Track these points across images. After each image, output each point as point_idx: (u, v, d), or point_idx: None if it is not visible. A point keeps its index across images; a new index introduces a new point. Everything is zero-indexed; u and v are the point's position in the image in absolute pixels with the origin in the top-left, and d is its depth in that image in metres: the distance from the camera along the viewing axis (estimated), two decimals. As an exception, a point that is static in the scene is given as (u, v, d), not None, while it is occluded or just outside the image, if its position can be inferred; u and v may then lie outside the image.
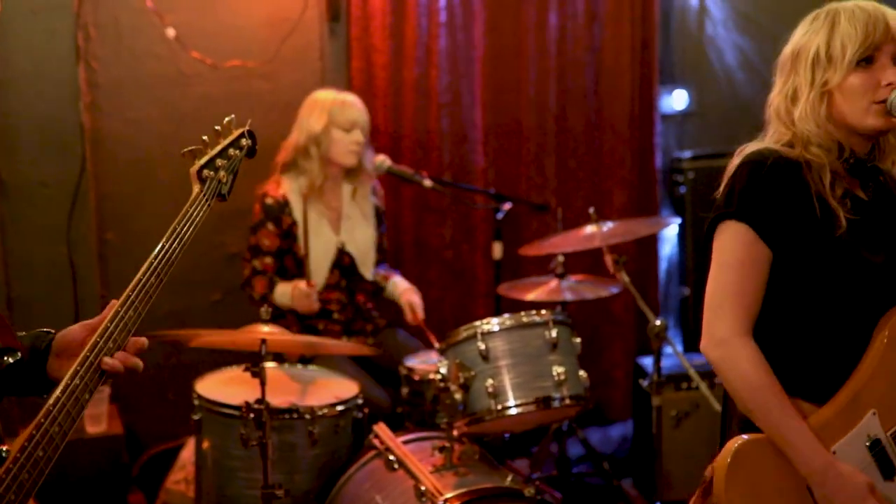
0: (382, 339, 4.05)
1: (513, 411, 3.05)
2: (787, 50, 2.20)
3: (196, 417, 3.35)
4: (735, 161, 2.19)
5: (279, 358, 3.78)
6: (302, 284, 3.81)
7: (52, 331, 1.98)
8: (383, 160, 4.12)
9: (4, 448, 1.72)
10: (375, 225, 4.13)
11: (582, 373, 3.17)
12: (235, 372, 3.47)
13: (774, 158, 2.12)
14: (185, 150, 2.12)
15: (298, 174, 3.97)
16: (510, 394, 3.05)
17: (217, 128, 2.18)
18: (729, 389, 2.17)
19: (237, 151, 2.18)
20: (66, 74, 4.16)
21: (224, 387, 3.40)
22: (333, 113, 3.93)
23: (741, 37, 5.14)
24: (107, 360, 1.81)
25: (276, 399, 3.23)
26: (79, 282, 4.20)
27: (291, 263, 3.96)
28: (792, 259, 2.13)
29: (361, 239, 4.07)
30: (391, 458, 3.12)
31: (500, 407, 3.04)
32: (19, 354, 1.80)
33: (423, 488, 2.90)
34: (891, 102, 2.08)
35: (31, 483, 1.66)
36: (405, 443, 3.22)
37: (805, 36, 2.16)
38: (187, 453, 4.07)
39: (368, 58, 4.57)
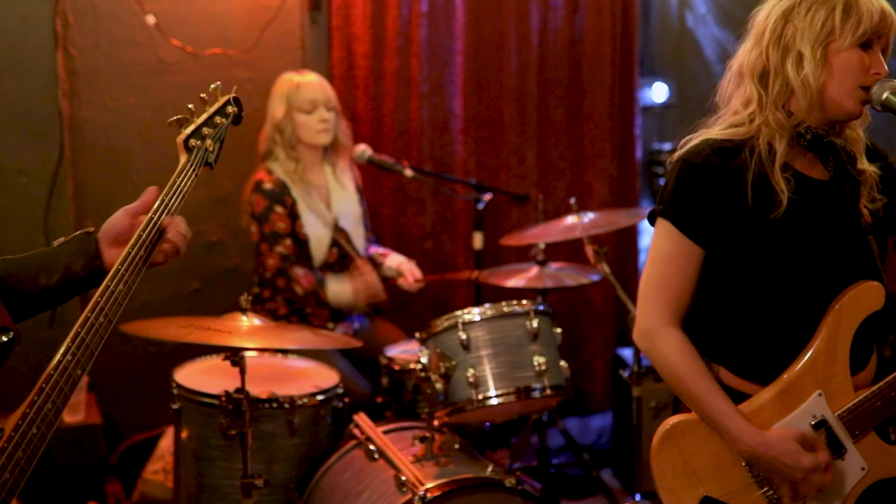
0: (368, 327, 4.05)
1: (493, 401, 3.04)
2: (781, 6, 2.17)
3: (175, 407, 3.33)
4: (676, 154, 2.24)
5: None
6: (360, 276, 3.84)
7: (92, 229, 2.04)
8: (364, 150, 4.11)
9: None
10: (358, 200, 4.14)
11: (562, 363, 3.17)
12: (215, 361, 3.47)
13: (707, 153, 2.16)
14: (172, 119, 2.13)
15: (275, 159, 3.98)
16: (491, 384, 3.05)
17: (202, 95, 2.18)
18: (660, 376, 2.26)
19: (223, 119, 2.19)
20: (44, 61, 4.12)
21: (203, 376, 3.39)
22: (290, 97, 3.97)
23: (721, 30, 5.15)
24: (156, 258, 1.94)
25: (256, 388, 3.21)
26: (57, 270, 4.17)
27: (293, 245, 3.94)
28: (727, 250, 2.18)
29: (350, 213, 4.08)
30: (371, 447, 3.11)
31: (480, 397, 3.03)
32: (12, 334, 1.80)
33: (403, 478, 2.90)
34: (872, 94, 2.11)
35: (25, 461, 1.66)
36: (385, 433, 3.22)
37: (805, 1, 2.14)
38: (166, 443, 4.06)
39: (349, 47, 4.55)
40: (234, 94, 2.24)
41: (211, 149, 2.13)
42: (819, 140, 2.18)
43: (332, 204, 4.04)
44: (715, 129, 2.22)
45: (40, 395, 1.70)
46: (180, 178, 2.05)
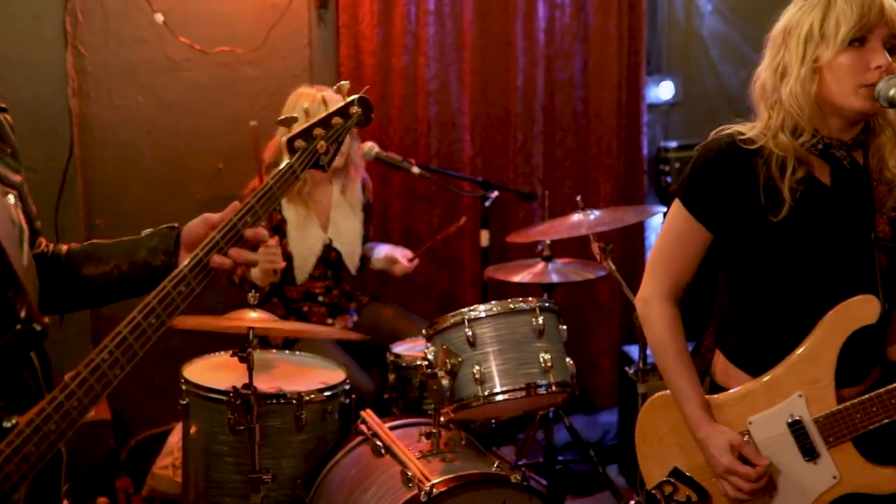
0: (369, 315, 4.06)
1: (499, 397, 3.05)
2: (779, 25, 2.22)
3: (183, 402, 3.35)
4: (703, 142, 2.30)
5: (264, 341, 3.79)
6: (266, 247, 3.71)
7: (177, 225, 1.99)
8: (371, 147, 4.12)
9: (14, 420, 1.69)
10: (363, 219, 4.15)
11: (568, 360, 3.18)
12: (223, 357, 3.48)
13: (724, 145, 2.22)
14: (280, 118, 2.04)
15: None
16: (497, 380, 3.05)
17: (322, 95, 2.06)
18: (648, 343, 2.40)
19: (342, 119, 2.04)
20: (53, 59, 4.15)
21: (211, 372, 3.41)
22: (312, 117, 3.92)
23: (728, 28, 5.16)
24: (215, 258, 1.83)
25: (264, 384, 3.23)
26: (67, 268, 4.20)
27: None
28: (734, 241, 2.26)
29: (348, 234, 4.08)
30: (378, 443, 3.13)
31: (486, 393, 3.04)
32: (40, 327, 1.77)
33: (409, 474, 2.91)
34: (878, 91, 2.10)
35: (37, 455, 1.66)
36: (392, 429, 3.23)
37: (799, 12, 2.18)
38: (175, 438, 4.08)
39: (357, 45, 4.57)
40: (363, 94, 2.07)
41: (323, 150, 2.00)
42: (827, 150, 2.20)
43: (329, 223, 4.06)
44: (744, 126, 2.26)
45: (63, 391, 1.69)
46: (273, 180, 1.94)
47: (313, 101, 3.88)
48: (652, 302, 2.36)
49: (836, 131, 2.20)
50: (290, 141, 1.99)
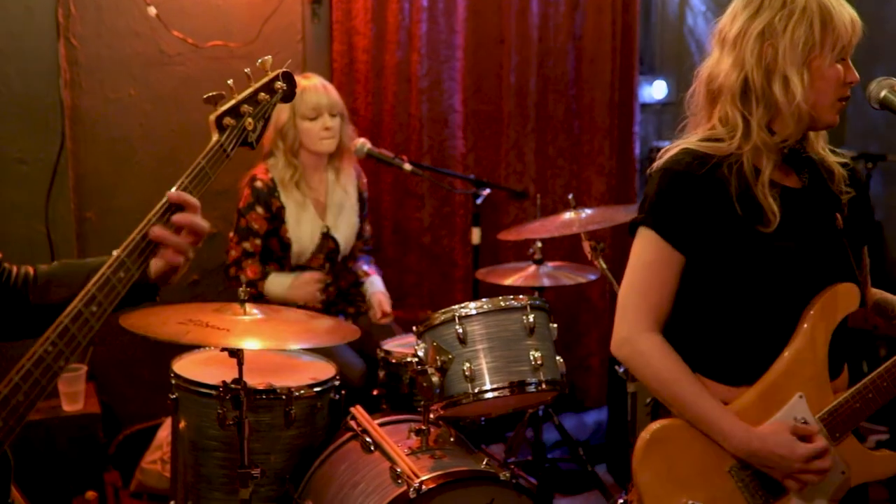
0: (362, 324, 4.06)
1: (489, 395, 3.05)
2: (754, 27, 2.17)
3: (173, 397, 3.34)
4: (656, 164, 2.22)
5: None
6: (307, 274, 3.85)
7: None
8: (363, 143, 4.12)
9: None
10: (358, 210, 4.14)
11: (558, 358, 3.18)
12: (213, 352, 3.47)
13: (687, 163, 2.15)
14: (206, 95, 1.98)
15: (276, 161, 3.98)
16: (487, 377, 3.05)
17: (246, 71, 2.04)
18: (643, 383, 2.23)
19: (268, 95, 2.04)
20: (46, 51, 4.13)
21: (201, 366, 3.40)
22: (294, 103, 3.91)
23: (722, 28, 5.17)
24: (154, 229, 1.82)
25: (254, 379, 3.23)
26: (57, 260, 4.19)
27: (276, 246, 3.97)
28: (708, 257, 2.17)
29: (346, 224, 4.08)
30: (367, 439, 3.13)
31: (476, 390, 3.04)
32: None
33: (398, 470, 2.91)
34: (869, 92, 2.17)
35: None
36: (382, 425, 3.23)
37: (782, 19, 2.14)
38: (164, 433, 4.08)
39: (350, 41, 4.57)
40: (285, 69, 2.08)
41: (251, 127, 2.00)
42: (797, 154, 2.22)
43: (326, 212, 4.05)
44: (693, 140, 2.22)
45: (7, 385, 1.64)
46: (204, 159, 1.92)
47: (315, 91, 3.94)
48: (634, 339, 2.19)
49: (796, 136, 2.19)
50: (219, 118, 1.97)
